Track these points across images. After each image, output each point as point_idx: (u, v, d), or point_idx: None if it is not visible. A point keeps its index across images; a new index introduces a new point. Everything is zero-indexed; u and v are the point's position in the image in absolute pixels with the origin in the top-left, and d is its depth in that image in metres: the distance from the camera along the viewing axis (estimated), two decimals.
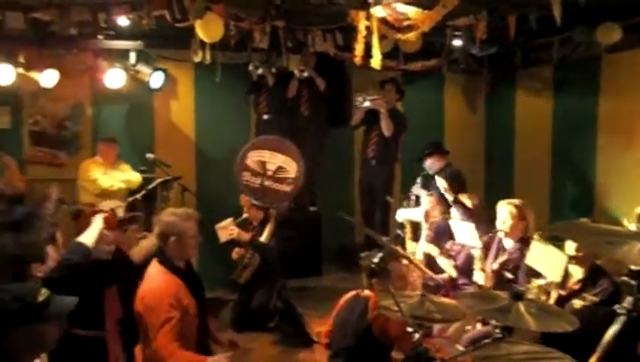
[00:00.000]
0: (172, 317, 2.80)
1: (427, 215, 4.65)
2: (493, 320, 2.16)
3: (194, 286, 3.08)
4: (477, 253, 3.98)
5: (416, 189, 5.31)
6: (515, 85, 6.98)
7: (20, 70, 5.45)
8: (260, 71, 6.07)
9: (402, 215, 4.99)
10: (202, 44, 5.17)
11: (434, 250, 4.41)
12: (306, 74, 6.10)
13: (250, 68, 6.04)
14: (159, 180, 5.41)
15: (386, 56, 5.08)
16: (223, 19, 4.74)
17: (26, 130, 6.00)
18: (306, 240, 6.16)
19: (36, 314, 1.94)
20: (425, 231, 4.63)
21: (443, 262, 4.35)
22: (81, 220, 3.43)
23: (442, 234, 4.50)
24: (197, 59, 5.47)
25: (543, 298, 3.13)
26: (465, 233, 4.17)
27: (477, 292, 3.29)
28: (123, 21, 4.97)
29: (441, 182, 4.56)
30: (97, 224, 2.99)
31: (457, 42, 5.81)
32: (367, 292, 3.01)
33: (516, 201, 3.95)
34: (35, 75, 5.52)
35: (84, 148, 6.11)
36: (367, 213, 6.19)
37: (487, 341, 2.10)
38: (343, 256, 6.38)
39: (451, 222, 4.40)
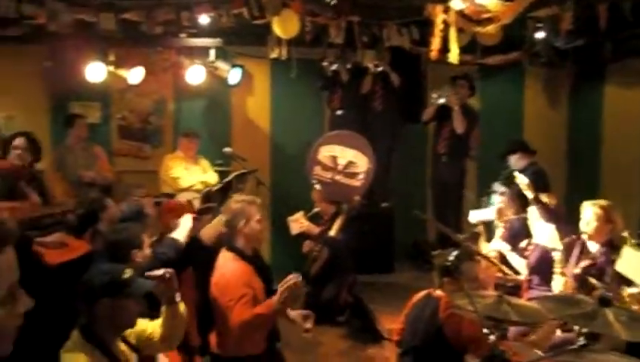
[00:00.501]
0: (246, 293, 2.91)
1: (500, 213, 4.49)
2: (577, 325, 2.05)
3: (262, 273, 3.17)
4: (557, 255, 3.80)
5: (498, 186, 5.14)
6: (604, 79, 6.55)
7: (110, 68, 5.79)
8: (333, 67, 6.10)
9: (475, 217, 4.85)
10: (278, 40, 5.27)
11: (506, 248, 4.24)
12: (380, 69, 6.06)
13: (324, 64, 6.08)
14: (235, 173, 5.57)
15: (462, 50, 4.96)
16: (299, 15, 4.80)
17: (115, 125, 6.37)
18: (378, 237, 6.13)
19: (121, 288, 2.15)
20: (499, 230, 4.47)
21: (515, 260, 4.16)
22: (162, 210, 3.66)
23: (517, 234, 4.32)
24: (273, 55, 5.58)
25: (635, 307, 2.93)
26: (545, 234, 3.98)
27: (560, 296, 3.13)
28: (204, 19, 5.15)
29: (522, 179, 4.38)
30: (187, 222, 3.18)
31: (540, 34, 5.56)
32: (439, 292, 2.95)
33: (602, 202, 3.73)
34: (123, 72, 5.85)
35: (167, 141, 6.40)
36: (439, 209, 6.09)
37: (570, 347, 2.00)
38: (415, 254, 6.29)
39: (531, 222, 4.22)
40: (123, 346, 2.28)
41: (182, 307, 2.41)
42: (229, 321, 2.91)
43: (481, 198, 5.01)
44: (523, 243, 4.25)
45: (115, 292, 2.14)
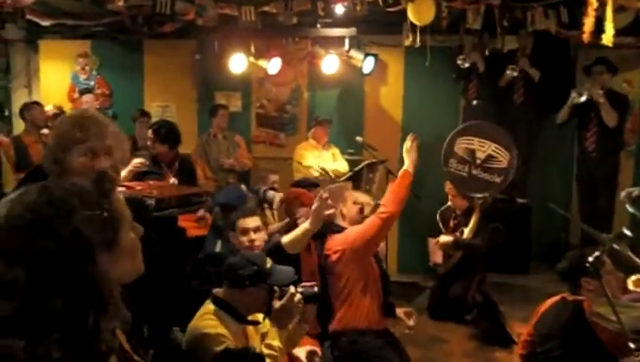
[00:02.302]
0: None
1: None
2: None
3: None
4: None
5: None
6: None
7: (251, 59, 6.10)
8: (467, 64, 5.79)
9: None
10: (413, 27, 5.13)
11: None
12: (515, 74, 5.63)
13: (459, 61, 5.78)
14: (366, 162, 5.56)
15: (622, 31, 4.42)
16: (435, 0, 4.63)
17: (254, 113, 6.71)
18: (513, 235, 5.72)
19: (265, 278, 2.27)
20: None
21: None
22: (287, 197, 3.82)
23: None
24: (407, 43, 5.45)
25: None
26: None
27: None
28: (339, 9, 5.19)
29: None
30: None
31: None
32: (573, 296, 2.69)
33: None
34: (262, 62, 6.12)
35: (301, 129, 6.59)
36: (586, 210, 5.54)
37: None
38: (554, 256, 5.78)
39: None
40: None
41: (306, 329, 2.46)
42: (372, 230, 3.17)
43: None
44: None
45: (260, 281, 2.26)
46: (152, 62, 6.73)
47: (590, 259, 1.92)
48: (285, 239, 2.90)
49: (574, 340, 2.64)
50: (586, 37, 4.09)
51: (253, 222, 3.04)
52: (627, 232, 1.96)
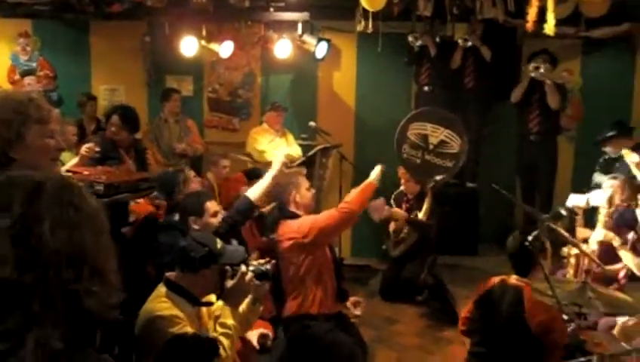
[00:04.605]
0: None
1: (611, 201, 4.09)
2: None
3: None
4: None
5: (598, 176, 4.72)
6: None
7: (203, 42, 5.99)
8: (419, 43, 5.89)
9: (573, 201, 4.49)
10: (365, 13, 5.16)
11: (615, 240, 3.86)
12: (469, 44, 5.79)
13: (410, 39, 5.89)
14: (319, 147, 5.59)
15: (564, 21, 4.60)
16: None
17: (206, 97, 6.61)
18: (462, 217, 5.93)
19: (216, 259, 2.27)
20: (603, 218, 4.09)
21: (625, 257, 3.81)
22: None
23: (624, 224, 3.93)
24: (359, 28, 5.48)
25: None
26: None
27: None
28: None
29: (633, 158, 3.98)
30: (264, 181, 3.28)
31: None
32: (514, 278, 2.74)
33: None
34: (214, 46, 6.02)
35: (254, 114, 6.55)
36: (527, 192, 5.80)
37: None
38: (501, 238, 6.00)
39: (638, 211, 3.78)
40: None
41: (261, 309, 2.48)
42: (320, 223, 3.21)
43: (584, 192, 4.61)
44: (630, 236, 3.85)
45: (212, 263, 2.27)
46: (99, 44, 6.51)
47: (530, 237, 2.02)
48: (251, 193, 3.12)
49: (508, 326, 2.70)
50: (529, 26, 4.22)
51: (214, 205, 3.19)
52: (563, 212, 2.07)
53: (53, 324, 0.90)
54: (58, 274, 0.92)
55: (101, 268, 0.98)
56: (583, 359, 1.79)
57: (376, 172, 3.53)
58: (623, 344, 2.19)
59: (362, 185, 3.43)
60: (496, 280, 2.87)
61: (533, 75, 5.47)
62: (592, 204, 4.28)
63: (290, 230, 3.24)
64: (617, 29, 5.66)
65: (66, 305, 0.92)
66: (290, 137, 6.00)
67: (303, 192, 3.41)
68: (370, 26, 5.27)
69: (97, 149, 4.00)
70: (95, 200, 1.04)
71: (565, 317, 1.91)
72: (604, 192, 4.11)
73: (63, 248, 0.94)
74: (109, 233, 1.05)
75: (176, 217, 3.32)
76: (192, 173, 3.79)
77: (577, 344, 1.95)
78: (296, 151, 5.86)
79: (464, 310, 3.13)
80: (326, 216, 3.23)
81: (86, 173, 3.55)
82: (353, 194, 3.32)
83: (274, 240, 3.42)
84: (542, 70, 5.40)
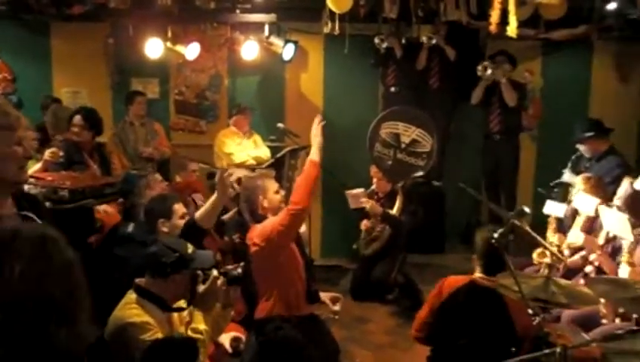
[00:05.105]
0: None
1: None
2: (628, 309, 1.94)
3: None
4: (626, 244, 3.51)
5: (568, 174, 4.77)
6: None
7: (168, 44, 5.92)
8: (385, 45, 5.96)
9: (550, 209, 4.44)
10: (332, 15, 5.20)
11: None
12: (434, 42, 5.89)
13: (376, 41, 5.95)
14: (288, 149, 5.60)
15: (524, 24, 4.72)
16: None
17: (172, 100, 6.54)
18: (429, 216, 6.01)
19: (187, 264, 2.26)
20: (579, 220, 4.12)
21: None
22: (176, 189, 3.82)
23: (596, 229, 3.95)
24: (326, 30, 5.52)
25: None
26: (616, 223, 3.66)
27: (613, 278, 2.95)
28: None
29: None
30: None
31: (612, 5, 5.21)
32: (478, 275, 2.73)
33: None
34: (180, 48, 5.96)
35: (222, 116, 6.50)
36: (491, 188, 5.95)
37: (620, 331, 1.89)
38: (467, 235, 6.15)
39: (601, 210, 3.79)
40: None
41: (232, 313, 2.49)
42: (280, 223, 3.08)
43: (549, 193, 4.68)
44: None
45: (182, 268, 2.25)
46: (60, 46, 6.36)
47: (495, 234, 2.08)
48: (198, 214, 3.00)
49: (488, 329, 2.60)
50: (492, 28, 4.33)
51: (182, 207, 3.18)
52: (527, 210, 2.14)
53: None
54: (24, 316, 0.96)
55: (72, 314, 1.02)
56: (547, 351, 1.85)
57: (315, 138, 3.18)
58: (584, 334, 2.27)
59: (304, 172, 3.15)
60: (459, 280, 2.79)
61: (480, 74, 5.63)
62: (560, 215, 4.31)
63: (256, 234, 3.20)
64: (575, 31, 5.85)
65: (34, 344, 0.95)
66: (259, 139, 5.99)
67: (271, 196, 3.27)
68: (336, 27, 5.32)
69: (61, 154, 3.92)
70: (71, 252, 1.07)
71: (530, 311, 1.98)
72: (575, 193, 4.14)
73: (30, 294, 0.97)
74: (83, 280, 1.08)
75: (130, 228, 3.24)
76: (158, 177, 3.73)
77: (542, 336, 2.02)
78: (264, 152, 5.85)
79: (419, 315, 2.95)
80: (278, 219, 3.10)
81: (50, 178, 3.48)
82: (297, 189, 3.11)
83: (235, 240, 3.39)
84: (489, 71, 5.56)
